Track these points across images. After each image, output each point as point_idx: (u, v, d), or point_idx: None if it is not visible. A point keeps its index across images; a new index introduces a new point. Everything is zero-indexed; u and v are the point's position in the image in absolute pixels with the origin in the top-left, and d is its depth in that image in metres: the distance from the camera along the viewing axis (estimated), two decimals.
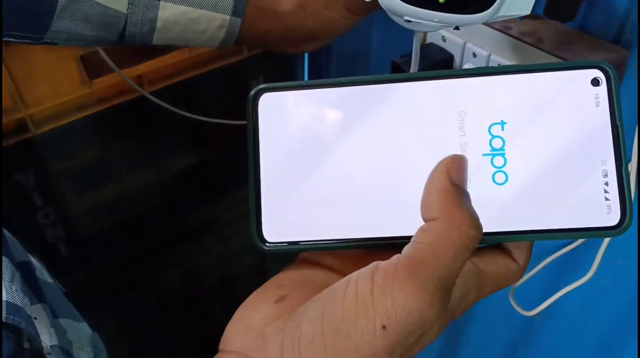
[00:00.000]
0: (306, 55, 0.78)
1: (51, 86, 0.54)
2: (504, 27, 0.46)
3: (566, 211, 0.23)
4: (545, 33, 0.45)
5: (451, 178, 0.22)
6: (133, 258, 0.73)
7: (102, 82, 0.57)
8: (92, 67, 0.56)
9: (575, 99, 0.23)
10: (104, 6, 0.33)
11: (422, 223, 0.22)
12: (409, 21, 0.32)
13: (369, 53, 0.73)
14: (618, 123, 0.23)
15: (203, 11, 0.36)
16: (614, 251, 0.50)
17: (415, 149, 0.24)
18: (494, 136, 0.24)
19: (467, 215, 0.21)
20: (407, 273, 0.20)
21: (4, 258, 0.36)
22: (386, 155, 0.24)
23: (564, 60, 0.42)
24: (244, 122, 0.75)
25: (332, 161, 0.24)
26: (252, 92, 0.25)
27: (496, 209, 0.23)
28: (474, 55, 0.49)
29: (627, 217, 0.23)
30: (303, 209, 0.24)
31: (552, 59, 0.43)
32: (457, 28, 0.32)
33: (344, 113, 0.24)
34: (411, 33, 0.61)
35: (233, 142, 0.71)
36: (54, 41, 0.35)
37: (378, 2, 0.31)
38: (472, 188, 0.23)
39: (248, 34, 0.38)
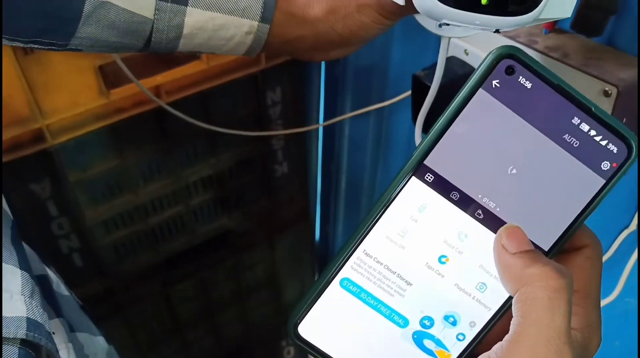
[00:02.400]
0: (323, 69, 0.78)
1: (69, 97, 0.54)
2: (529, 41, 0.46)
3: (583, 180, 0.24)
4: (571, 48, 0.44)
5: (508, 250, 0.23)
6: (146, 269, 0.72)
7: (120, 93, 0.56)
8: (109, 78, 0.56)
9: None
10: (131, 12, 0.33)
11: None
12: (445, 24, 0.31)
13: (387, 66, 0.72)
14: (555, 81, 0.23)
15: (231, 17, 0.35)
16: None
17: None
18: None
19: (539, 272, 0.22)
20: (510, 349, 0.21)
21: (23, 272, 0.35)
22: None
23: (592, 76, 0.41)
24: (260, 133, 0.74)
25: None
26: (290, 330, 0.26)
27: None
28: None
29: (630, 140, 0.23)
30: (342, 333, 0.26)
31: (580, 75, 0.42)
32: (497, 31, 0.31)
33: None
34: (432, 47, 0.60)
35: (249, 153, 0.71)
36: (79, 47, 0.35)
37: (413, 5, 0.30)
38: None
39: (276, 40, 0.37)
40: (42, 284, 0.38)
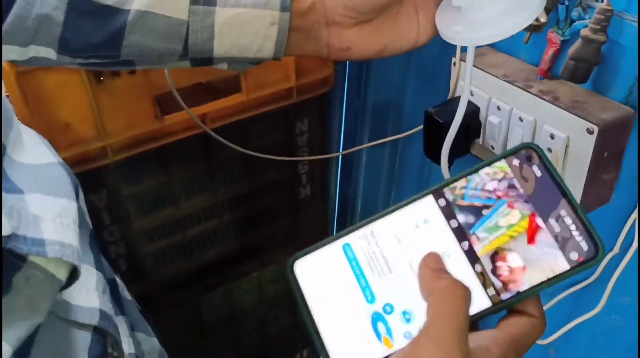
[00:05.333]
0: (344, 103, 0.87)
1: (129, 120, 0.63)
2: (525, 85, 0.54)
3: (553, 259, 0.28)
4: (561, 92, 0.52)
5: (427, 266, 0.29)
6: (180, 277, 0.80)
7: (172, 119, 0.65)
8: (163, 105, 0.65)
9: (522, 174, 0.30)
10: (168, 17, 0.36)
11: None
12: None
13: (402, 102, 0.81)
14: (558, 179, 0.29)
15: (254, 10, 0.37)
16: (620, 288, 0.55)
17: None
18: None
19: (447, 283, 0.27)
20: (422, 338, 0.26)
21: (98, 272, 0.42)
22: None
23: (578, 116, 0.49)
24: (289, 158, 0.83)
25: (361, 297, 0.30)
26: (289, 262, 0.31)
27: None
28: (498, 108, 0.56)
29: (599, 245, 0.27)
30: (324, 285, 0.31)
31: (568, 115, 0.50)
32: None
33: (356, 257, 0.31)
34: (442, 86, 0.68)
35: (277, 176, 0.79)
36: (129, 58, 0.38)
37: None
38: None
39: (297, 36, 0.39)
40: (111, 286, 0.46)
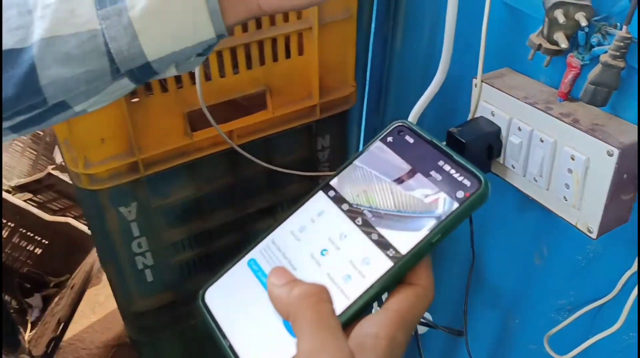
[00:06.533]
0: (363, 120, 0.88)
1: (160, 136, 0.66)
2: (546, 107, 0.55)
3: (442, 204, 0.30)
4: (581, 115, 0.54)
5: (276, 284, 0.28)
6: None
7: (201, 135, 0.68)
8: (193, 122, 0.67)
9: None
10: (76, 33, 0.31)
11: None
12: None
13: (419, 121, 0.82)
14: (429, 139, 0.32)
15: None
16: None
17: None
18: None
19: (299, 292, 0.27)
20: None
21: None
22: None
23: (598, 139, 0.50)
24: (311, 173, 0.85)
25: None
26: (200, 294, 0.32)
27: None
28: (519, 129, 0.58)
29: (480, 177, 0.29)
30: (236, 307, 0.31)
31: (588, 137, 0.51)
32: None
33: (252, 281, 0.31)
34: (461, 105, 0.70)
35: (299, 190, 0.81)
36: (59, 98, 0.32)
37: None
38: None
39: None
40: None
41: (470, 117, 0.64)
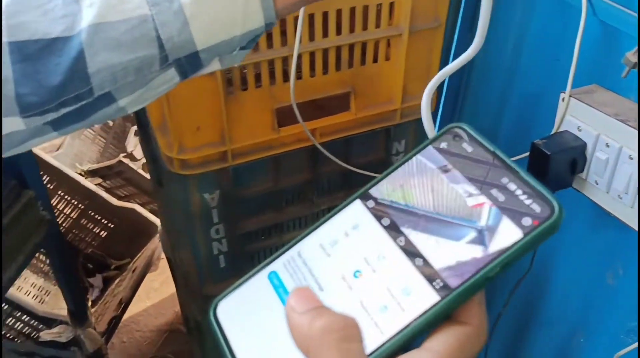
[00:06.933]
0: (436, 128, 0.90)
1: (250, 129, 0.69)
2: (637, 125, 0.56)
3: (503, 231, 0.24)
4: None
5: (296, 310, 0.24)
6: None
7: (287, 131, 0.71)
8: (280, 118, 0.70)
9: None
10: (126, 19, 0.30)
11: None
12: None
13: (497, 131, 0.83)
14: (492, 150, 0.27)
15: None
16: None
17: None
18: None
19: (323, 324, 0.23)
20: None
21: None
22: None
23: None
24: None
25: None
26: (210, 307, 0.28)
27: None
28: (607, 145, 0.58)
29: (553, 204, 0.24)
30: (251, 324, 0.27)
31: None
32: None
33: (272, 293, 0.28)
34: (543, 119, 0.71)
35: None
36: (104, 88, 0.31)
37: None
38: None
39: None
40: None
41: (554, 131, 0.65)
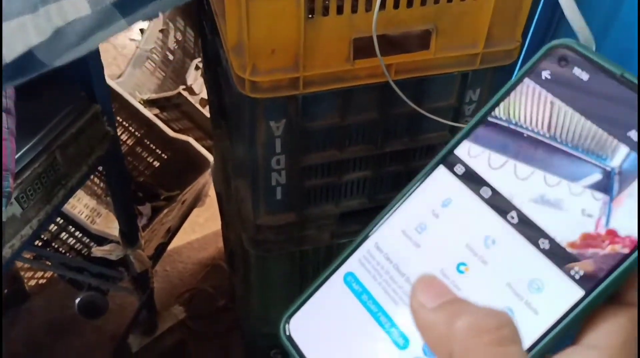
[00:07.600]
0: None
1: (325, 58, 0.67)
2: None
3: None
4: None
5: (426, 306, 0.20)
6: (323, 218, 0.84)
7: (362, 64, 0.68)
8: (357, 50, 0.68)
9: None
10: None
11: None
12: None
13: None
14: (618, 73, 0.20)
15: None
16: None
17: None
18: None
19: (469, 324, 0.18)
20: None
21: None
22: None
23: None
24: (453, 123, 0.83)
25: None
26: (280, 324, 0.23)
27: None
28: None
29: None
30: (332, 340, 0.23)
31: None
32: None
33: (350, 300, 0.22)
34: None
35: (433, 140, 0.80)
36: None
37: None
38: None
39: None
40: None
41: None
